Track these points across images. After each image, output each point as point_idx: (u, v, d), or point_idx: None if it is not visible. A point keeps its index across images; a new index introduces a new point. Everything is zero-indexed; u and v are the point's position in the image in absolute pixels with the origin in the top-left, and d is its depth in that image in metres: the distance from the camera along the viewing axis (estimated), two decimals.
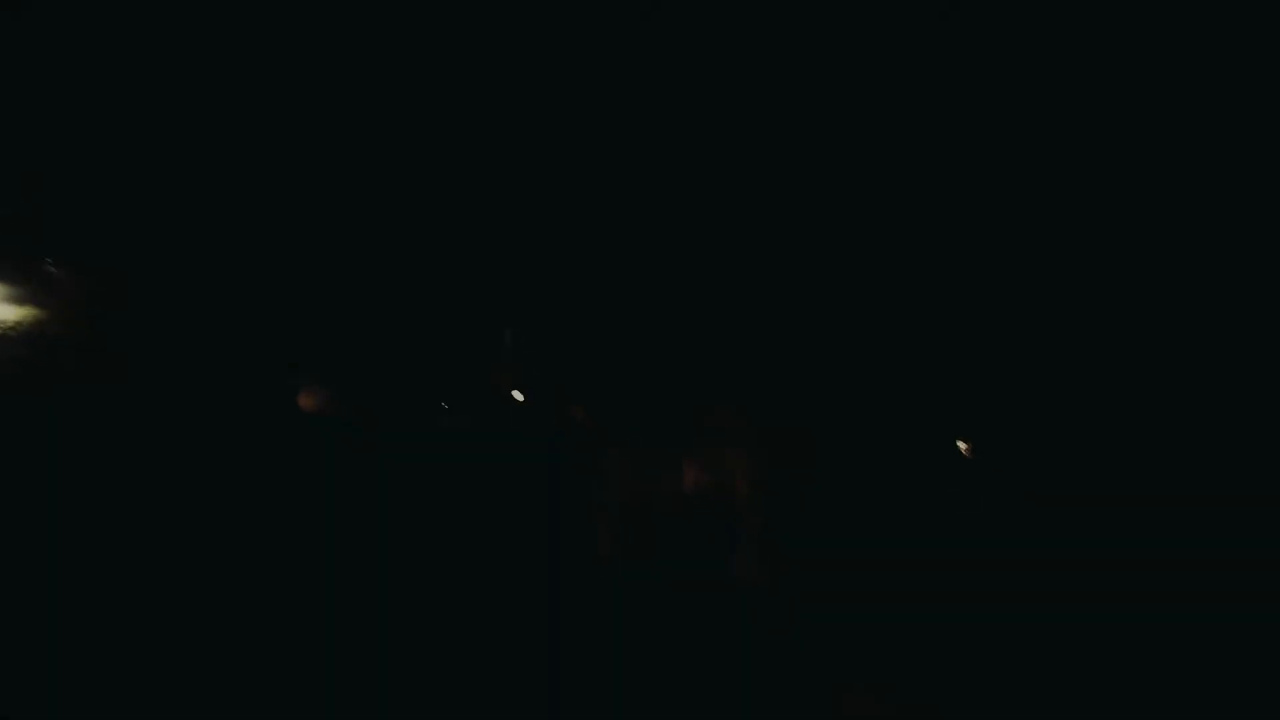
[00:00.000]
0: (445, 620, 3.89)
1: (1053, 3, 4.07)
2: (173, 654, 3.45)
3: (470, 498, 5.12)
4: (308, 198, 5.12)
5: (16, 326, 5.19)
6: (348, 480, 5.47)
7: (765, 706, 3.14)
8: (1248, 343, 4.62)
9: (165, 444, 5.71)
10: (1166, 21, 4.00)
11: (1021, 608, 4.33)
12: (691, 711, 3.00)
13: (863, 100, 4.39)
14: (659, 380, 3.75)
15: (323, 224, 5.16)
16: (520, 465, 5.25)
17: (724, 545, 3.32)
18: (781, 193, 4.72)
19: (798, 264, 4.75)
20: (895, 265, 4.76)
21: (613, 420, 3.55)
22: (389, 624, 3.82)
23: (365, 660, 3.56)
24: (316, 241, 5.23)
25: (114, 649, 3.32)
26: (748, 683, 3.18)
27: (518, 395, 5.61)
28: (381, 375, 5.83)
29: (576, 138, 4.75)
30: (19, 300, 5.18)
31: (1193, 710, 3.32)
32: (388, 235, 5.29)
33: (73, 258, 5.27)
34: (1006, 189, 4.64)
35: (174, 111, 4.79)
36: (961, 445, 5.47)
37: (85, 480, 4.98)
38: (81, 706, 2.92)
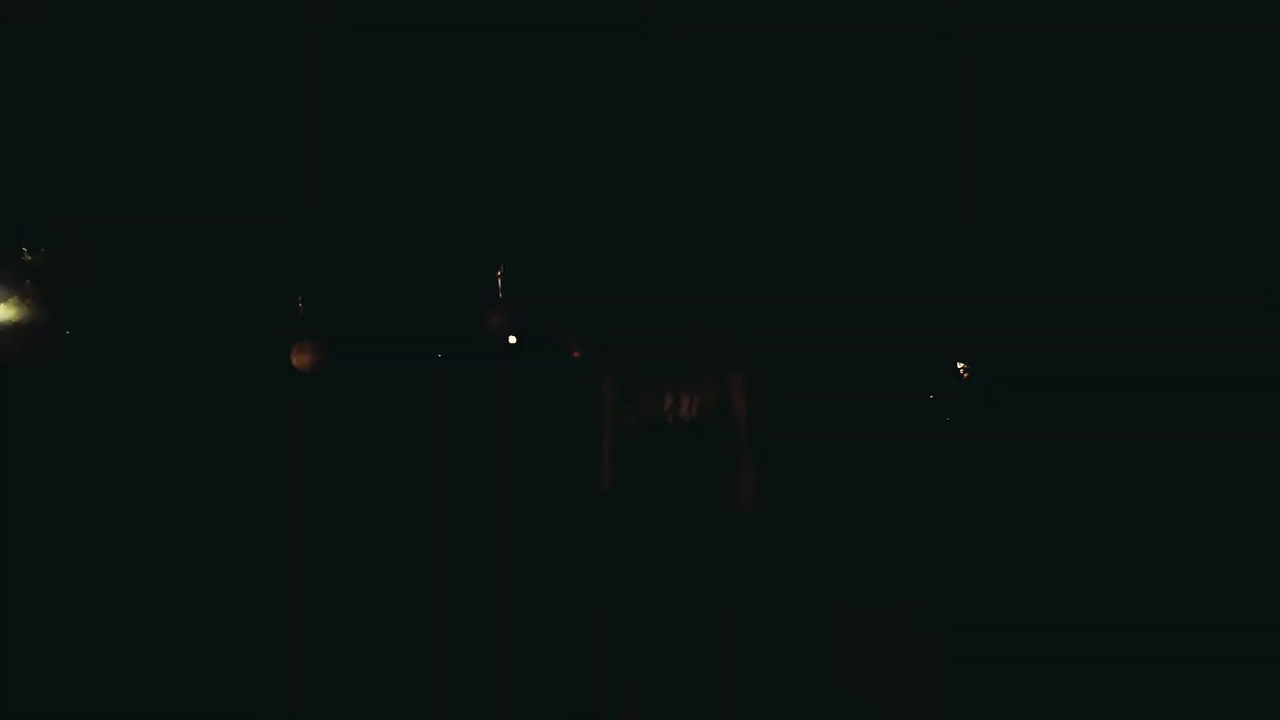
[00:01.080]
0: (456, 548, 3.98)
1: None
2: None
3: (472, 439, 5.13)
4: (279, 142, 4.99)
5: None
6: (347, 434, 5.46)
7: (772, 628, 3.17)
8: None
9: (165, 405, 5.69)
10: None
11: (1022, 525, 4.36)
12: (699, 636, 3.02)
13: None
14: (653, 309, 3.70)
15: (298, 167, 5.05)
16: (519, 403, 5.24)
17: (723, 471, 3.30)
18: (766, 117, 4.62)
19: (790, 185, 4.67)
20: (887, 184, 4.68)
21: (609, 351, 3.51)
22: (399, 552, 3.90)
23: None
24: (296, 187, 5.13)
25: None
26: (753, 604, 3.21)
27: (512, 339, 5.57)
28: (373, 325, 5.77)
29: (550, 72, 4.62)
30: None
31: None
32: (371, 178, 5.19)
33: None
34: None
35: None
36: (960, 366, 5.46)
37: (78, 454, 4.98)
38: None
